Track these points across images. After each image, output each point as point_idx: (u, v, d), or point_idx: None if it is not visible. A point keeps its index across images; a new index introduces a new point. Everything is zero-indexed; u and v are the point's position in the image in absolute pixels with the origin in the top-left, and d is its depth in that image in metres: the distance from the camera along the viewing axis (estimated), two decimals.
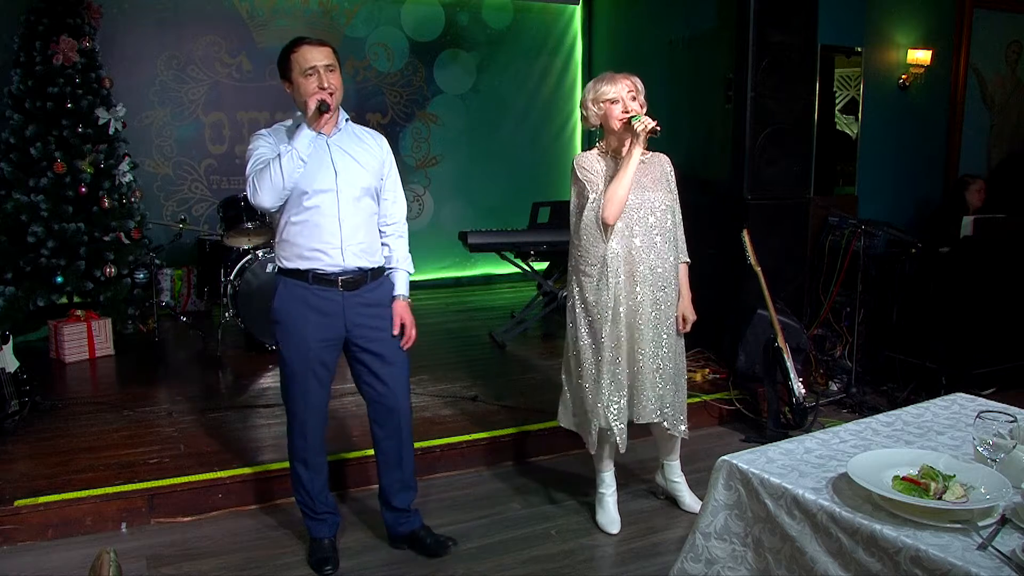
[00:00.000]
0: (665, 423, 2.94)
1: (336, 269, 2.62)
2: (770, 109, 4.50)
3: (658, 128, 2.72)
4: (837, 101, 5.27)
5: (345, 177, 2.60)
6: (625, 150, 2.82)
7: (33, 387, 3.83)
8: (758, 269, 3.88)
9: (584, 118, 2.94)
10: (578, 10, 7.81)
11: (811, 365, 4.60)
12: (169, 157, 6.46)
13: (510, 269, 5.97)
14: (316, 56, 2.53)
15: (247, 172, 2.55)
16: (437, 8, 7.30)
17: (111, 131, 5.42)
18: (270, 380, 4.55)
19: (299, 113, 2.59)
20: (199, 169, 6.57)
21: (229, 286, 4.99)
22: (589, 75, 7.89)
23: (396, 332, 2.77)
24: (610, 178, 2.81)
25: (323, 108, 2.48)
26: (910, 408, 2.32)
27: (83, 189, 5.22)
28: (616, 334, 2.83)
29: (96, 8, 5.54)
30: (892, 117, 5.65)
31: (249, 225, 5.13)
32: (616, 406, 2.87)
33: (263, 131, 2.65)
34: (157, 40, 6.29)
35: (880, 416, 2.25)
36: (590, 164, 2.87)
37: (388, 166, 2.77)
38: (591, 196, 2.80)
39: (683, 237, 3.04)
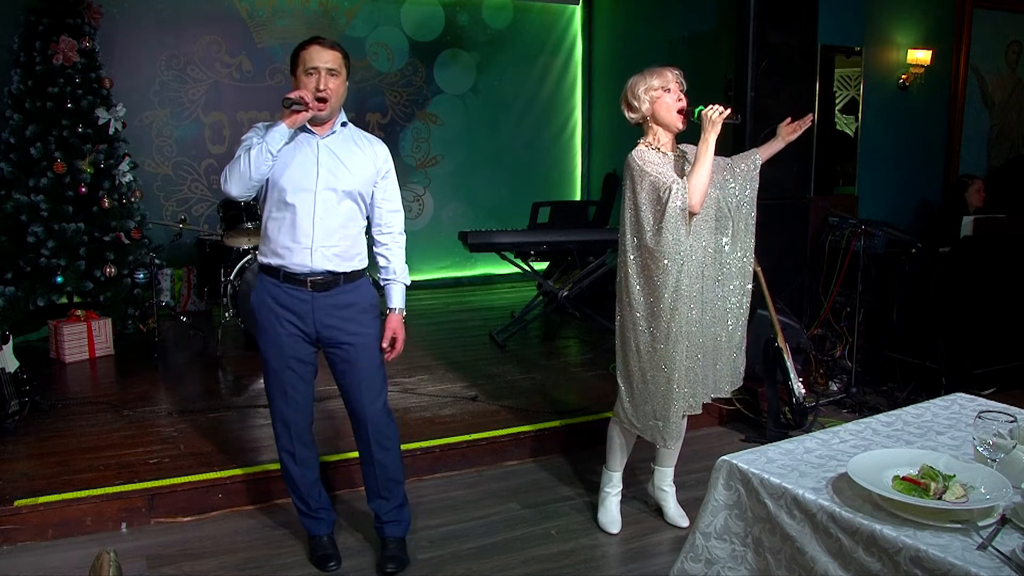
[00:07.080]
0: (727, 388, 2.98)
1: (304, 269, 2.59)
2: (770, 109, 4.49)
3: (738, 116, 2.70)
4: (837, 101, 5.26)
5: (327, 179, 2.57)
6: (699, 140, 2.73)
7: (33, 387, 3.83)
8: (758, 269, 3.87)
9: (630, 108, 2.85)
10: (578, 10, 7.81)
11: (811, 365, 4.59)
12: (169, 157, 6.45)
13: (510, 269, 5.97)
14: (322, 57, 2.52)
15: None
16: (437, 8, 7.29)
17: (111, 131, 5.43)
18: None
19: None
20: (199, 169, 6.57)
21: (229, 286, 4.99)
22: (589, 75, 7.89)
23: (386, 344, 2.74)
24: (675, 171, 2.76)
25: (286, 104, 2.45)
26: (910, 408, 2.32)
27: (83, 189, 5.23)
28: (688, 323, 2.76)
29: (96, 8, 5.53)
30: (892, 117, 5.65)
31: (249, 225, 5.13)
32: (687, 393, 2.83)
33: (260, 124, 2.63)
34: (157, 40, 6.29)
35: (880, 416, 2.25)
36: (653, 158, 2.76)
37: (384, 174, 2.72)
38: (673, 187, 2.63)
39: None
